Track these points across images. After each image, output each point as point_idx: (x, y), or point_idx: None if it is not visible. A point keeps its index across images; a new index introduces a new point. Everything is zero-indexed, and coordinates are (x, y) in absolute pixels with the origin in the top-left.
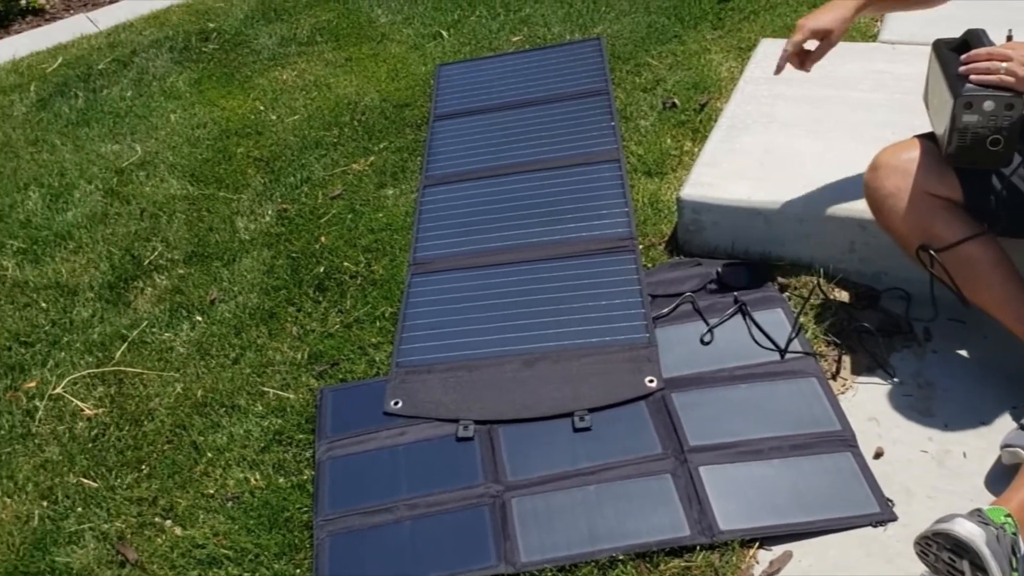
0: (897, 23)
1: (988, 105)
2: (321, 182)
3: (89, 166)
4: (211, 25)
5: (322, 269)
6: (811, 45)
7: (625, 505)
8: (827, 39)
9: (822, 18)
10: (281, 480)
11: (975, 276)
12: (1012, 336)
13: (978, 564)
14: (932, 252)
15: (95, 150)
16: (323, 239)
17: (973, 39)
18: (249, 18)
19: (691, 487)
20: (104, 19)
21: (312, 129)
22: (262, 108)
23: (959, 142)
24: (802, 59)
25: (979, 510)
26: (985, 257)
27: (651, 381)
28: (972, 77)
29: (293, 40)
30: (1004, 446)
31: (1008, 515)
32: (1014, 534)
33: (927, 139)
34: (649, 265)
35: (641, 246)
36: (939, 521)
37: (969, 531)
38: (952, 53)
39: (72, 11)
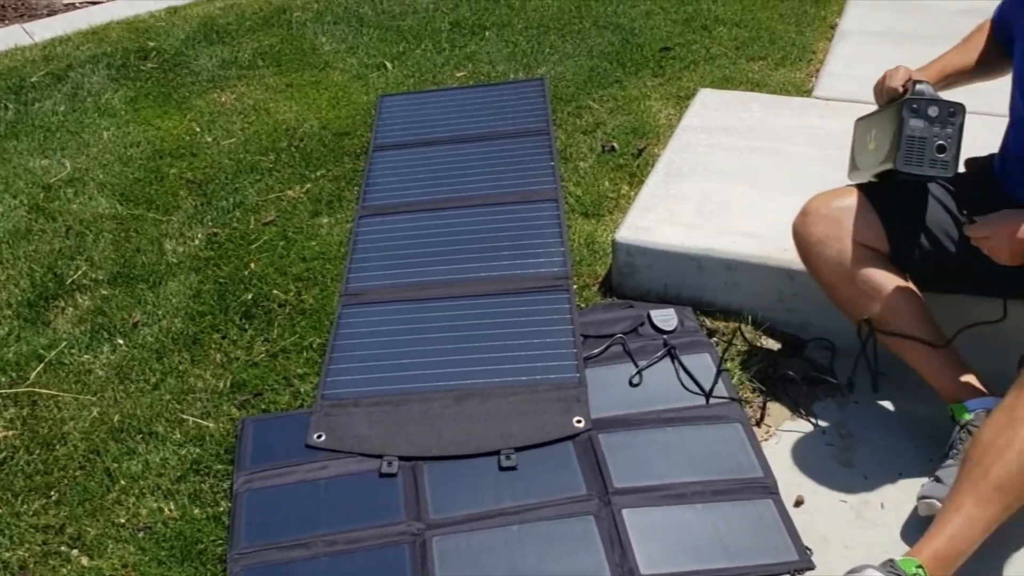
0: (831, 80)
1: (933, 111)
2: (254, 207)
3: (15, 180)
4: (151, 44)
5: (250, 296)
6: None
7: (547, 546)
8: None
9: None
10: (196, 511)
11: (898, 327)
12: (931, 389)
13: None
14: (872, 328)
15: (23, 164)
16: (253, 265)
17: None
18: (190, 39)
19: (614, 530)
20: (41, 31)
21: (248, 153)
22: (198, 130)
23: (911, 150)
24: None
25: (891, 561)
26: (908, 309)
27: (579, 421)
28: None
29: (234, 63)
30: (920, 497)
31: (919, 566)
32: None
33: (859, 189)
34: (583, 305)
35: (576, 286)
36: (851, 572)
37: None
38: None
39: (7, 21)
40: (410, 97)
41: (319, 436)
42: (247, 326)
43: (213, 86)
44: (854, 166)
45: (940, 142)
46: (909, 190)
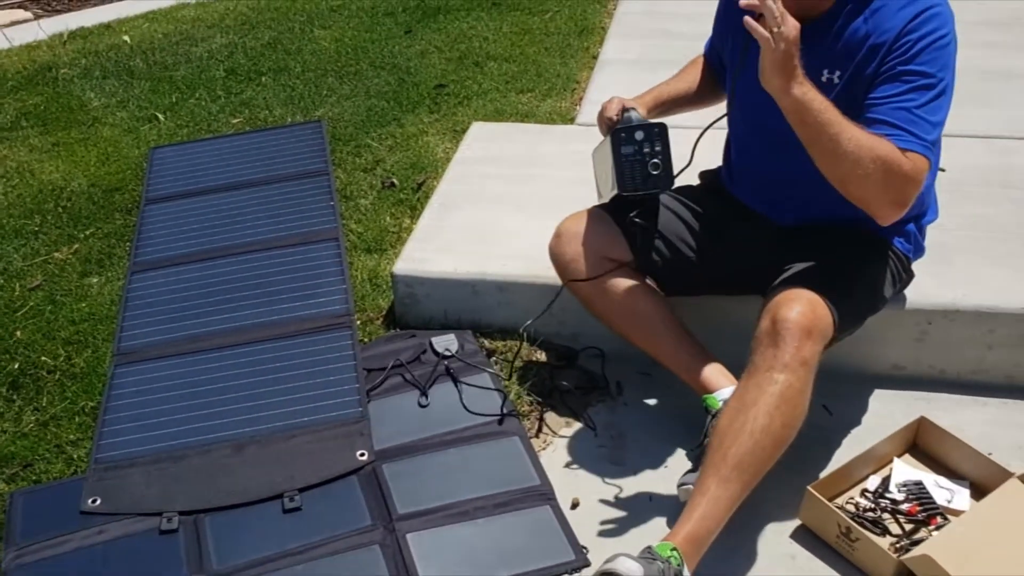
0: (592, 107)
1: (639, 135)
2: (19, 273)
3: None
4: None
5: (16, 366)
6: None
7: None
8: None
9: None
10: None
11: (648, 331)
12: (686, 385)
13: None
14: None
15: None
16: (19, 333)
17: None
18: None
19: (399, 555)
20: None
21: (11, 218)
22: None
23: (628, 174)
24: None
25: (649, 547)
26: (656, 313)
27: (362, 455)
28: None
29: None
30: (679, 485)
31: (674, 548)
32: (679, 566)
33: (601, 209)
34: (367, 340)
35: (360, 322)
36: (606, 562)
37: (629, 568)
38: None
39: None
40: (183, 147)
41: (94, 501)
42: (15, 397)
43: None
44: (599, 193)
45: (653, 160)
46: (645, 206)
